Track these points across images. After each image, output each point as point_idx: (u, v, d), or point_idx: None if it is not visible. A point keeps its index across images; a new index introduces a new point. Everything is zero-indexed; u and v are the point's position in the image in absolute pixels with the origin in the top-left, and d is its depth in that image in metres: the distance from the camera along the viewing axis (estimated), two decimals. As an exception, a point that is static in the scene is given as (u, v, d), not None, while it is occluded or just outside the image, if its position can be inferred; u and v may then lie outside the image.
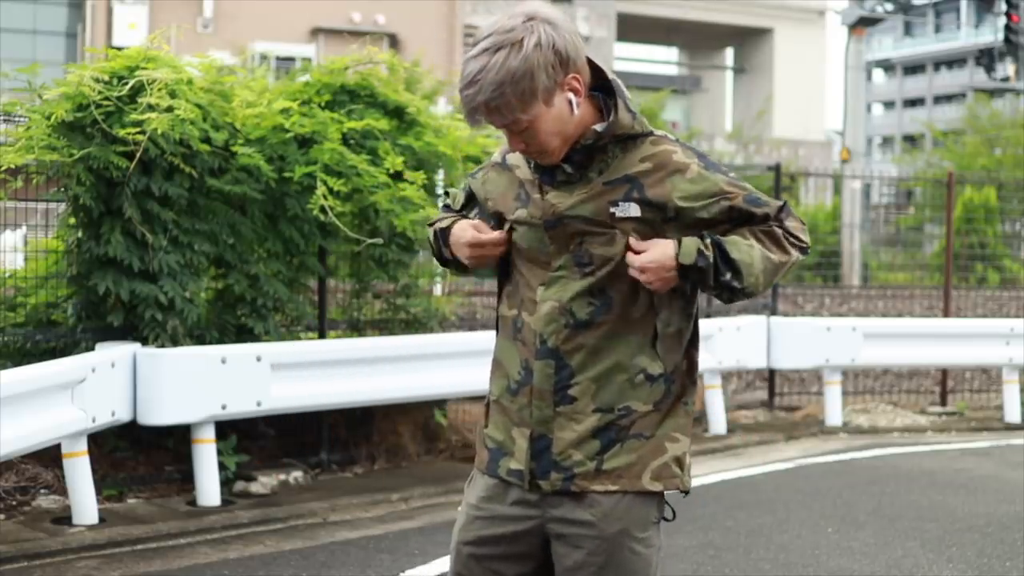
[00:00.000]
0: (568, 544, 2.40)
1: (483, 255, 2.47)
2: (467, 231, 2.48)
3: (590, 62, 2.37)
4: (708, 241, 2.33)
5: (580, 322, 2.37)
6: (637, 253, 2.34)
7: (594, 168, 2.37)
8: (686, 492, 2.47)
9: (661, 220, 2.35)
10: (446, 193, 2.74)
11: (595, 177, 2.37)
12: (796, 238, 2.42)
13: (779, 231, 2.40)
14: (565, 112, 2.31)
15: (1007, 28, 21.81)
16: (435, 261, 2.79)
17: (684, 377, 2.46)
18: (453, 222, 2.55)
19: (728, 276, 2.33)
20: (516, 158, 2.48)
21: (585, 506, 2.38)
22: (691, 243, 2.32)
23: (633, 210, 2.34)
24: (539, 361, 2.38)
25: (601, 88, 2.39)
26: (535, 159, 2.39)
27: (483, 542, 2.46)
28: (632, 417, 2.38)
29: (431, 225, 2.63)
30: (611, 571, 2.37)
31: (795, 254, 2.42)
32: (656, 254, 2.32)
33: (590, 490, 2.36)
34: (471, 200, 2.60)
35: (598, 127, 2.35)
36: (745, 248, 2.34)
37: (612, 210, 2.34)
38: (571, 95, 2.31)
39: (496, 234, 2.45)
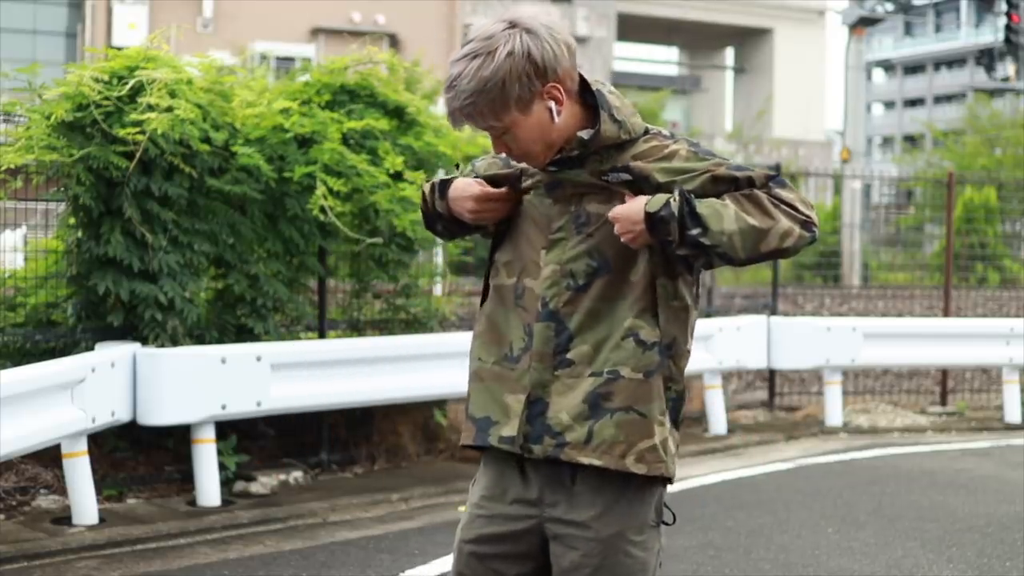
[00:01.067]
0: (564, 545, 2.39)
1: (487, 212, 2.47)
2: (472, 186, 2.48)
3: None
4: (677, 193, 2.29)
5: (580, 285, 2.37)
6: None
7: (588, 168, 2.40)
8: (669, 480, 2.43)
9: (652, 190, 2.34)
10: (456, 165, 2.73)
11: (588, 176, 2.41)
12: (790, 206, 2.32)
13: (763, 195, 2.32)
14: (545, 120, 2.32)
15: (1007, 28, 21.81)
16: (430, 233, 2.77)
17: (678, 359, 2.42)
18: (455, 177, 2.55)
19: (696, 232, 2.27)
20: None
21: (581, 507, 2.38)
22: (661, 196, 2.31)
23: (624, 176, 2.35)
24: (539, 324, 2.38)
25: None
26: (520, 162, 2.42)
27: (484, 540, 2.46)
28: (620, 383, 2.35)
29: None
30: (605, 573, 2.36)
31: (786, 222, 2.31)
32: (627, 206, 2.32)
33: (576, 460, 2.34)
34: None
35: (584, 135, 2.35)
36: (718, 206, 2.29)
37: (604, 178, 2.37)
38: (551, 103, 2.32)
39: (504, 191, 2.46)
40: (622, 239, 2.32)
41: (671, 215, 2.27)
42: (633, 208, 2.31)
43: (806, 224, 2.33)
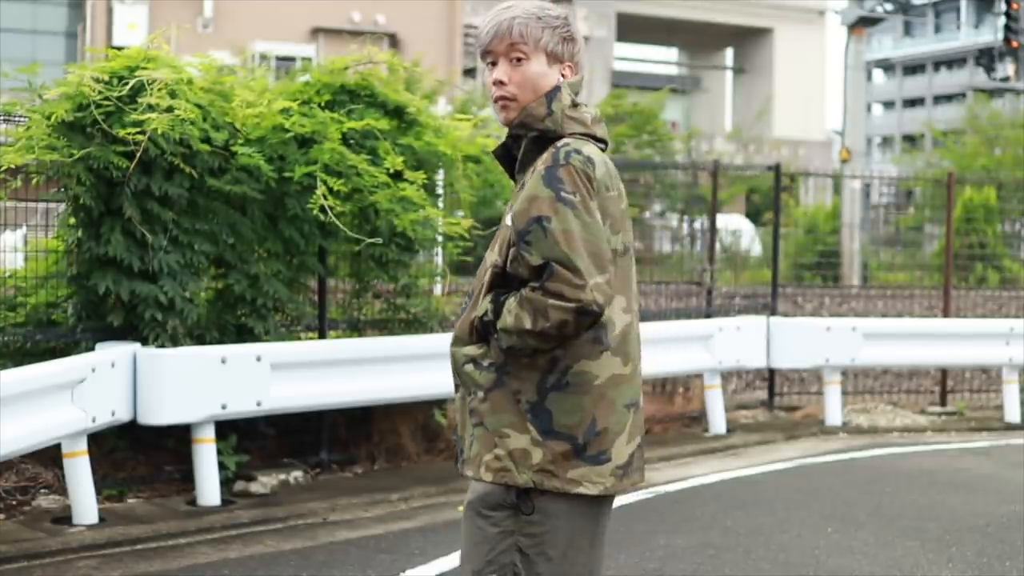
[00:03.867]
0: None
1: None
2: None
3: None
4: (491, 301, 2.54)
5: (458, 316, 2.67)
6: None
7: (529, 167, 2.59)
8: (519, 487, 2.51)
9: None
10: None
11: (525, 179, 2.59)
12: (560, 297, 2.42)
13: (536, 297, 2.44)
14: (546, 79, 2.59)
15: (1007, 28, 21.80)
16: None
17: (530, 372, 2.51)
18: None
19: (495, 337, 2.53)
20: None
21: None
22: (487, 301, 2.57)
23: (508, 219, 2.56)
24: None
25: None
26: (497, 105, 2.61)
27: None
28: (474, 402, 2.57)
29: None
30: (462, 527, 2.62)
31: (558, 317, 2.42)
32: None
33: (466, 474, 2.60)
34: None
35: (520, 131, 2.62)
36: (508, 315, 2.48)
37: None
38: (561, 76, 2.63)
39: None
40: None
41: (490, 322, 2.54)
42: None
43: (580, 311, 2.43)
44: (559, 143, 2.53)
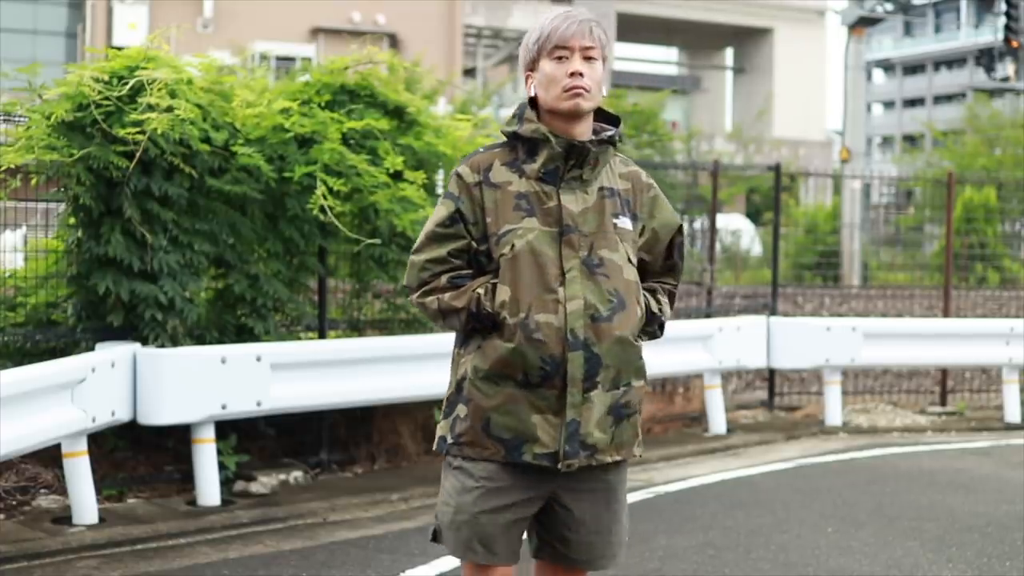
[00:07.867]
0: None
1: None
2: None
3: None
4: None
5: (602, 316, 2.73)
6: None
7: (588, 168, 2.79)
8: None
9: (638, 234, 2.86)
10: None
11: (592, 181, 2.79)
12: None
13: (674, 293, 3.07)
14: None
15: (1007, 28, 21.79)
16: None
17: None
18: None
19: (659, 329, 2.94)
20: (502, 175, 2.78)
21: (598, 474, 2.82)
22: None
23: (627, 223, 2.81)
24: (572, 353, 2.70)
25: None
26: (571, 92, 2.73)
27: (498, 510, 2.79)
28: (631, 392, 2.80)
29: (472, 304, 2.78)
30: (618, 503, 2.90)
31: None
32: None
33: (604, 461, 2.78)
34: (458, 220, 2.80)
35: (609, 132, 2.83)
36: (669, 310, 3.01)
37: (614, 221, 2.79)
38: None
39: None
40: None
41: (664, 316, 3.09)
42: None
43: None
44: (618, 153, 2.87)
